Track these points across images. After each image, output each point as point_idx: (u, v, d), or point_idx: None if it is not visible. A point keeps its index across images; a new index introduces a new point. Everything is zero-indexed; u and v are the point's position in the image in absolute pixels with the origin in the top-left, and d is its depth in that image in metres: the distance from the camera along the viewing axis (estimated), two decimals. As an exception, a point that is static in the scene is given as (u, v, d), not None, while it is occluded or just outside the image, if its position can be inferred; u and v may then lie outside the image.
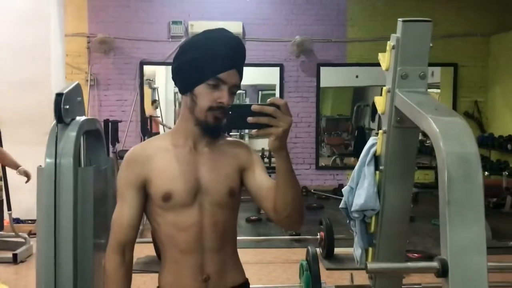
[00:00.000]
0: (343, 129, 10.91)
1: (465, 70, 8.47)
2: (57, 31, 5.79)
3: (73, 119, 1.63)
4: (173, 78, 1.46)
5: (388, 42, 1.51)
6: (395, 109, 1.48)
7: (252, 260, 4.55)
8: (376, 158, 1.64)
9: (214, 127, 1.38)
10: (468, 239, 1.10)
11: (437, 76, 9.06)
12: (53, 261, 1.53)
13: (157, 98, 9.52)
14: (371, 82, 9.94)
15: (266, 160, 8.93)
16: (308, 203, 7.03)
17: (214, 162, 1.43)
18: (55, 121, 1.60)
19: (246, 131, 8.52)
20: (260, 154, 9.24)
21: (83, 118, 1.67)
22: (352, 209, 1.64)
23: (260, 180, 1.43)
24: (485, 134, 8.18)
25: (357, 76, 9.41)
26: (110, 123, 6.46)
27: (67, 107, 1.57)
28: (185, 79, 1.40)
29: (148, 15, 7.88)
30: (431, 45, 1.46)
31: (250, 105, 1.19)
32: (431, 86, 9.56)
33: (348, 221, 1.78)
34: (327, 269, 4.31)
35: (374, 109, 11.29)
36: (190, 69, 1.37)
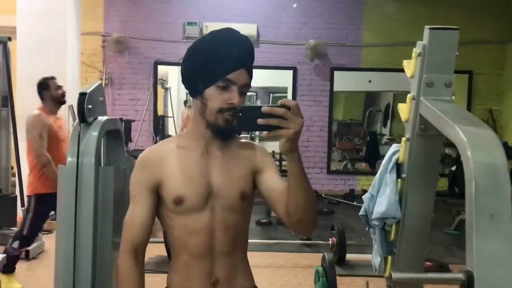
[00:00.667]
0: (355, 134, 10.86)
1: (480, 78, 8.41)
2: (74, 29, 5.83)
3: (95, 118, 1.63)
4: (183, 82, 1.44)
5: (414, 49, 1.49)
6: (420, 117, 1.47)
7: (262, 263, 4.54)
8: (398, 166, 1.62)
9: (225, 130, 1.37)
10: (495, 251, 1.08)
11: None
12: (72, 258, 1.54)
13: (169, 99, 9.54)
14: (384, 87, 9.90)
15: (277, 163, 8.93)
16: (319, 208, 7.01)
17: (226, 165, 1.42)
18: (77, 120, 1.59)
19: (257, 133, 8.52)
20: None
21: (105, 118, 1.67)
22: (373, 216, 1.62)
23: (273, 182, 1.41)
24: (499, 143, 8.10)
25: (370, 81, 9.36)
26: (123, 122, 6.48)
27: (90, 106, 1.57)
28: (194, 82, 1.39)
29: (163, 15, 7.91)
30: (457, 53, 1.44)
31: (260, 107, 1.16)
32: (445, 93, 9.49)
33: (367, 229, 1.76)
34: (339, 275, 4.28)
35: (386, 115, 11.25)
36: (199, 72, 1.36)
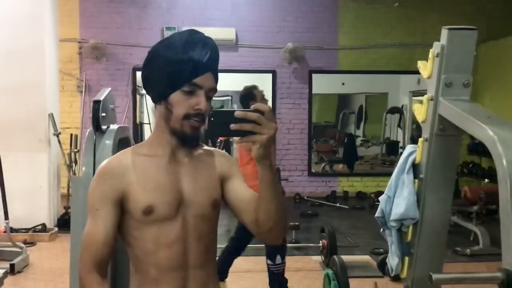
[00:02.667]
0: (330, 136, 10.95)
1: (455, 78, 8.57)
2: (52, 36, 5.71)
3: (108, 126, 1.59)
4: (144, 87, 1.35)
5: (431, 50, 1.50)
6: (439, 117, 1.48)
7: (255, 268, 4.50)
8: (414, 167, 1.63)
9: (191, 137, 1.30)
10: (532, 249, 1.09)
11: (423, 83, 9.13)
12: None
13: (145, 105, 9.44)
14: (356, 89, 10.02)
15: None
16: (302, 210, 7.02)
17: (196, 172, 1.35)
18: (91, 128, 1.55)
19: (235, 138, 8.48)
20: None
21: (116, 126, 1.64)
22: (391, 218, 1.62)
23: (241, 191, 1.36)
24: (475, 141, 8.28)
25: (343, 83, 9.48)
26: (103, 130, 6.38)
27: (104, 114, 1.53)
28: (157, 87, 1.30)
29: (141, 21, 7.82)
30: (475, 53, 1.46)
31: (233, 111, 1.12)
32: (417, 93, 9.65)
33: (382, 230, 1.76)
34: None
35: (359, 117, 11.38)
36: (163, 76, 1.28)
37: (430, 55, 1.50)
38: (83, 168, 1.52)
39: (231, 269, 3.87)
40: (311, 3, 8.22)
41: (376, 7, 8.26)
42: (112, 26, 7.74)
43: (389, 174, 1.68)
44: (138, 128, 8.36)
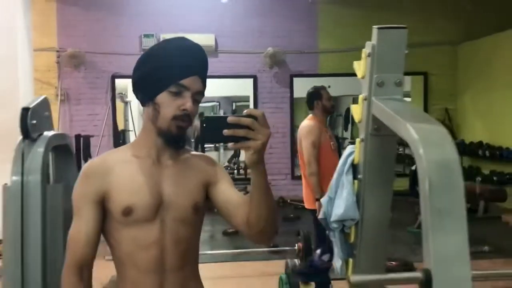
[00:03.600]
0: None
1: (435, 79, 8.61)
2: (25, 45, 5.67)
3: (41, 134, 1.56)
4: (133, 91, 1.40)
5: (363, 49, 1.49)
6: (372, 117, 1.47)
7: (230, 274, 4.48)
8: (354, 167, 1.62)
9: (177, 137, 1.33)
10: (451, 248, 1.08)
11: (408, 85, 9.19)
12: (20, 283, 1.45)
13: (130, 112, 9.42)
14: (343, 92, 10.04)
15: (242, 171, 8.91)
16: (285, 214, 7.00)
17: (179, 175, 1.37)
18: (21, 137, 1.52)
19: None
20: (237, 166, 9.20)
21: (51, 133, 1.61)
22: (332, 219, 1.61)
23: (229, 194, 1.37)
24: (456, 141, 8.32)
25: (329, 86, 9.47)
26: (82, 138, 6.35)
27: (34, 122, 1.51)
28: (146, 89, 1.35)
29: (119, 28, 7.80)
30: (406, 51, 1.45)
31: (226, 117, 1.13)
32: (404, 94, 9.69)
33: (327, 232, 1.75)
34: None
35: (346, 119, 11.41)
36: (151, 78, 1.32)
37: (363, 55, 1.50)
38: (12, 177, 1.50)
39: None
40: (290, 8, 8.24)
41: (355, 10, 8.29)
42: (90, 34, 7.71)
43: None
44: (120, 135, 8.32)
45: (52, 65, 7.63)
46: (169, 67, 1.31)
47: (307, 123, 3.87)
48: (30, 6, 5.91)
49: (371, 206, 1.56)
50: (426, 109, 8.58)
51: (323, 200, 1.68)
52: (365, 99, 1.50)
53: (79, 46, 7.58)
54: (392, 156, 1.55)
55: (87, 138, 6.43)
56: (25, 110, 1.49)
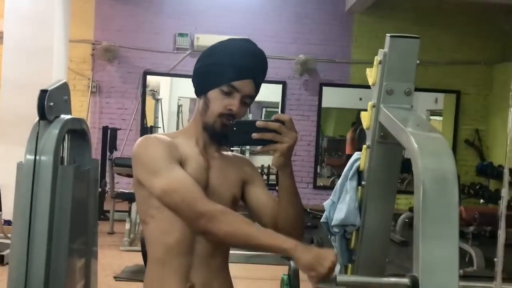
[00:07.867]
0: (345, 150, 10.90)
1: (468, 98, 8.46)
2: (61, 36, 5.83)
3: (57, 117, 1.62)
4: (192, 80, 1.47)
5: (376, 57, 1.51)
6: (379, 124, 1.48)
7: (242, 275, 4.50)
8: (359, 173, 1.63)
9: (220, 134, 1.38)
10: (440, 257, 1.08)
11: (441, 103, 9.07)
12: (25, 262, 1.50)
13: (161, 110, 9.54)
14: (374, 104, 9.93)
15: (264, 176, 8.93)
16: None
17: (222, 168, 1.44)
18: (38, 118, 1.59)
19: (247, 147, 8.51)
20: (260, 170, 9.23)
21: (67, 116, 1.66)
22: (333, 223, 1.62)
23: (262, 195, 1.44)
24: (484, 163, 8.15)
25: (360, 99, 9.44)
26: (109, 130, 6.47)
27: (51, 104, 1.56)
28: (201, 82, 1.42)
29: (154, 26, 7.93)
30: (418, 61, 1.45)
31: (254, 121, 1.19)
32: (434, 113, 9.55)
33: (329, 236, 1.76)
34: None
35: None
36: (207, 73, 1.40)
37: (375, 62, 1.51)
38: (26, 156, 1.55)
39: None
40: (325, 15, 8.23)
41: (391, 23, 8.23)
42: (125, 29, 7.87)
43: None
44: (147, 131, 8.44)
45: (87, 57, 7.81)
46: (225, 67, 1.37)
47: None
48: (70, -2, 6.08)
49: (373, 213, 1.56)
50: (456, 128, 8.43)
51: (326, 203, 1.69)
52: (373, 106, 1.51)
53: (114, 40, 7.75)
54: (397, 165, 1.55)
55: (114, 131, 6.55)
56: (43, 92, 1.55)
